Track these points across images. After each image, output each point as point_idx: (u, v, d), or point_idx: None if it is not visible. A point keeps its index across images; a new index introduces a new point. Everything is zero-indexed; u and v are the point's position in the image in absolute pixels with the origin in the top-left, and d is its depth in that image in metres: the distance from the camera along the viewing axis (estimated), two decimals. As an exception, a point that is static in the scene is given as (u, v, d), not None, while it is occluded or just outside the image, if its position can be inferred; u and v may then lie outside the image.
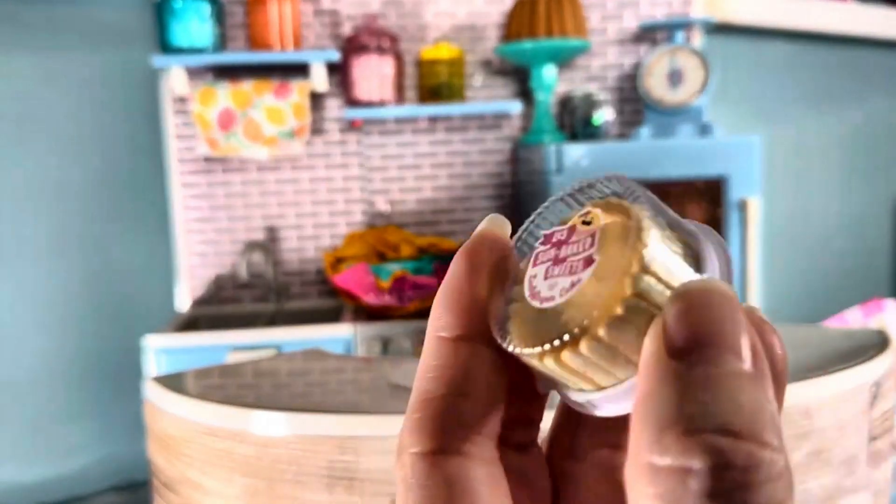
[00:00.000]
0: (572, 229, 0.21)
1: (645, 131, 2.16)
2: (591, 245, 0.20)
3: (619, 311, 0.18)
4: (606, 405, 0.20)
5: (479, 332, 0.21)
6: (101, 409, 2.33)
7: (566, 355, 0.19)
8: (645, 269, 0.19)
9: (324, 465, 0.77)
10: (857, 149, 2.87)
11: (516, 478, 0.22)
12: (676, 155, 1.99)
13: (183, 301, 2.30)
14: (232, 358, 1.88)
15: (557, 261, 0.21)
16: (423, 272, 2.08)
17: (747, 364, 0.16)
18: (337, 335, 1.95)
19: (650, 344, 0.17)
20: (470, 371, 0.20)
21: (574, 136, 2.28)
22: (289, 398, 0.97)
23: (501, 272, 0.22)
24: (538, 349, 0.19)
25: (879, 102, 2.88)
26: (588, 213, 0.21)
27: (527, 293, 0.21)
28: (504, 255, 0.22)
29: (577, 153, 1.93)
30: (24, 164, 2.21)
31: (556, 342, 0.19)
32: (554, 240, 0.22)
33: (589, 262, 0.20)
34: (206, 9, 2.08)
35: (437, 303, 0.22)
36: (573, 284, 0.20)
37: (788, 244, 2.73)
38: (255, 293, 2.32)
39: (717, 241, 0.21)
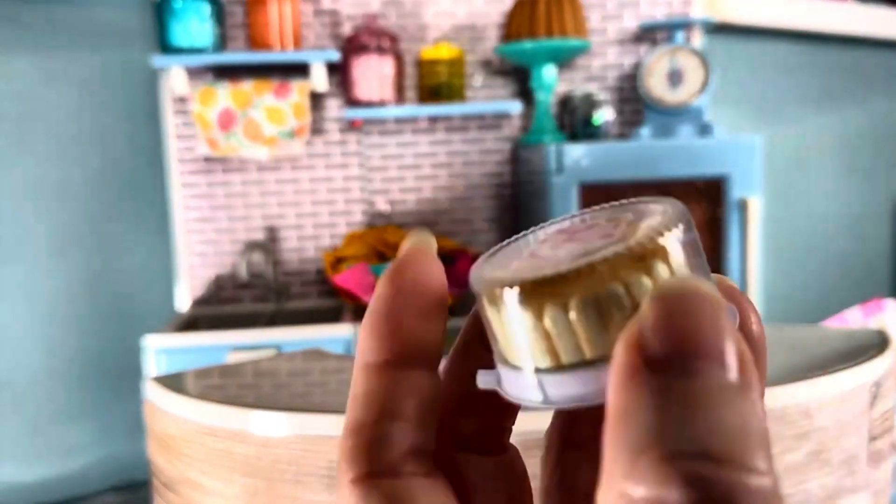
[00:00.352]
0: (592, 226, 0.20)
1: (645, 131, 2.16)
2: (614, 229, 0.19)
3: (629, 279, 0.16)
4: (557, 389, 0.18)
5: (406, 356, 0.20)
6: (101, 409, 2.34)
7: (550, 310, 0.17)
8: (664, 257, 0.17)
9: (324, 465, 0.77)
10: (857, 149, 2.87)
11: (492, 480, 0.22)
12: (676, 155, 1.99)
13: (183, 301, 2.30)
14: (232, 358, 1.88)
15: (570, 240, 0.19)
16: (423, 272, 2.08)
17: (733, 374, 0.15)
18: (337, 335, 1.95)
19: (624, 353, 0.15)
20: (399, 395, 0.20)
21: (574, 136, 2.28)
22: (289, 398, 0.97)
23: (427, 293, 0.21)
24: (520, 279, 0.17)
25: (879, 103, 2.88)
26: (616, 217, 0.20)
27: (525, 256, 0.19)
28: (431, 276, 0.21)
29: (577, 153, 1.93)
30: (24, 164, 2.21)
31: (547, 275, 0.17)
32: (569, 230, 0.20)
33: (608, 236, 0.18)
34: (206, 9, 2.08)
35: (362, 329, 0.21)
36: (587, 253, 0.17)
37: (788, 244, 2.73)
38: (255, 293, 2.32)
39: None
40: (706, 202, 2.05)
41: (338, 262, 2.14)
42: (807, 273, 2.79)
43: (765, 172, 2.05)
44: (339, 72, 2.24)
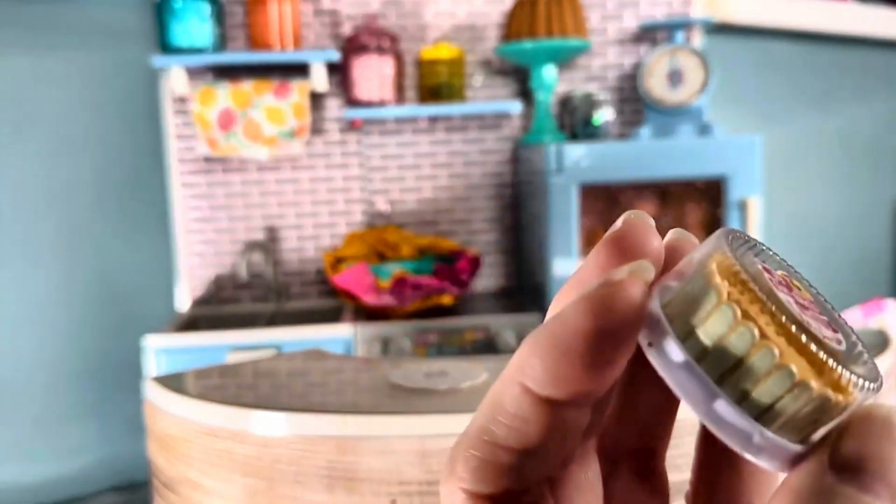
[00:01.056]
0: (787, 282, 0.21)
1: (645, 131, 2.16)
2: (831, 328, 0.20)
3: (840, 398, 0.18)
4: (730, 414, 0.18)
5: (581, 401, 0.18)
6: (101, 409, 2.34)
7: (782, 373, 0.18)
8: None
9: (324, 465, 0.77)
10: (857, 149, 2.87)
11: (579, 492, 0.22)
12: (676, 155, 1.99)
13: (183, 301, 2.30)
14: (232, 358, 1.88)
15: (798, 304, 0.20)
16: (423, 272, 2.08)
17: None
18: (337, 335, 1.95)
19: (822, 449, 0.18)
20: (554, 443, 0.19)
21: (574, 136, 2.28)
22: (289, 398, 0.96)
23: (633, 330, 0.18)
24: (826, 356, 0.18)
25: (879, 103, 2.88)
26: (825, 308, 0.21)
27: (784, 301, 0.19)
28: (640, 311, 0.18)
29: (577, 153, 1.93)
30: (23, 164, 2.21)
31: (843, 368, 0.18)
32: (775, 278, 0.20)
33: (833, 330, 0.20)
34: (206, 9, 2.08)
35: (535, 349, 0.18)
36: (839, 342, 0.19)
37: (788, 244, 2.73)
38: (255, 293, 2.32)
39: None
40: (706, 202, 2.05)
41: (338, 262, 2.14)
42: (807, 273, 2.77)
43: (765, 172, 2.05)
44: (339, 72, 2.24)
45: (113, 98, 2.26)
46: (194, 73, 2.21)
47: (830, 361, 0.18)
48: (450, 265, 2.10)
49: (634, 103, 2.36)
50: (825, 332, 0.19)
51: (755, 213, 1.97)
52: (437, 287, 2.00)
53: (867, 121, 2.86)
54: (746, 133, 2.11)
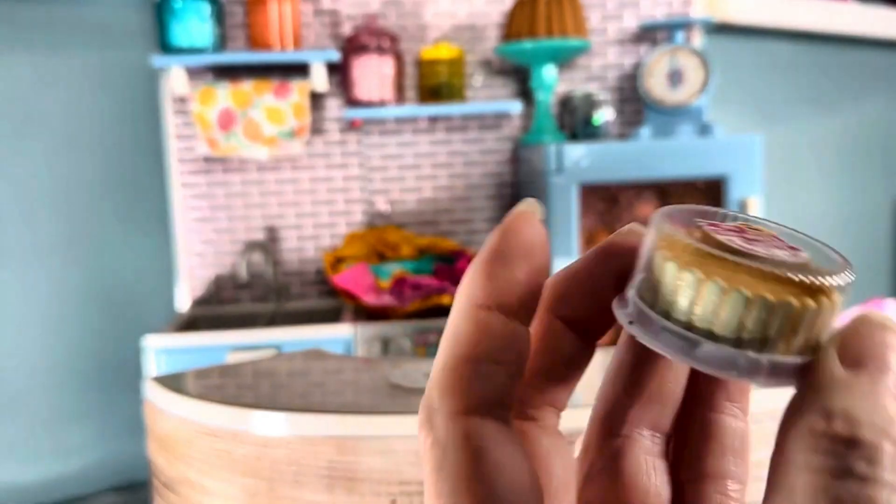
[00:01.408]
0: (741, 228, 0.21)
1: (645, 131, 2.16)
2: (784, 241, 0.21)
3: (815, 301, 0.19)
4: (711, 355, 0.19)
5: (514, 307, 0.21)
6: (101, 409, 2.34)
7: (761, 301, 0.18)
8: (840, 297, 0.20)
9: (324, 465, 0.77)
10: (856, 149, 2.87)
11: (546, 454, 0.22)
12: (676, 155, 1.99)
13: (183, 301, 2.30)
14: (232, 358, 1.88)
15: (749, 239, 0.20)
16: (423, 272, 2.08)
17: None
18: (337, 335, 1.94)
19: (830, 349, 0.19)
20: (504, 342, 0.20)
21: (574, 136, 2.28)
22: (289, 398, 0.96)
23: (538, 252, 0.22)
24: (800, 278, 0.18)
25: (879, 102, 2.88)
26: (747, 223, 0.22)
27: (725, 241, 0.20)
28: (542, 237, 0.22)
29: (577, 153, 1.93)
30: (24, 165, 2.21)
31: (831, 280, 0.19)
32: (723, 228, 0.21)
33: (796, 250, 0.20)
34: (206, 9, 2.08)
35: (474, 272, 0.21)
36: (797, 256, 0.20)
37: (788, 244, 2.73)
38: (255, 293, 2.32)
39: None
40: (706, 202, 2.05)
41: (338, 262, 2.14)
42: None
43: (765, 172, 2.05)
44: (339, 72, 2.24)
45: (113, 98, 2.26)
46: (194, 73, 2.21)
47: (777, 270, 0.19)
48: (450, 265, 2.10)
49: (634, 103, 2.36)
50: (778, 253, 0.20)
51: (755, 213, 1.97)
52: (437, 287, 2.00)
53: (867, 121, 2.86)
54: (746, 133, 2.11)
